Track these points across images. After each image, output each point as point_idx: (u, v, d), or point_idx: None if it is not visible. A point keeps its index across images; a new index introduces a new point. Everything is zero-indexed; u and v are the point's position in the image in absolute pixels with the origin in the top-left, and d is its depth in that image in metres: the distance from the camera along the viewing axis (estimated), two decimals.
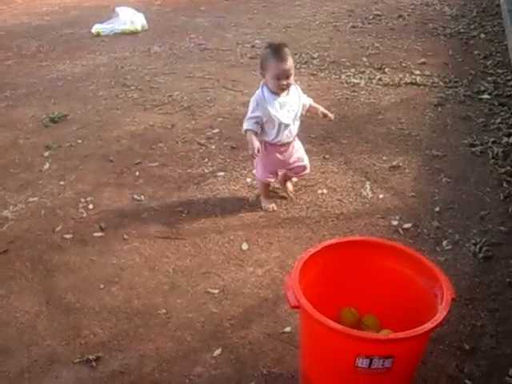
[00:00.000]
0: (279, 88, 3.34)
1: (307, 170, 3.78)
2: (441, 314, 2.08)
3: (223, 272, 3.20)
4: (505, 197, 3.78)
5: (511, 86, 5.38)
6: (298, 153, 3.67)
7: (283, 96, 3.40)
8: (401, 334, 2.05)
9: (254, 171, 3.84)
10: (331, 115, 3.62)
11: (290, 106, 3.43)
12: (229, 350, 2.71)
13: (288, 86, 3.35)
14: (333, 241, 2.56)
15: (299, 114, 3.52)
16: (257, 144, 3.34)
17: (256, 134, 3.41)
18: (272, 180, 3.77)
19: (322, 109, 3.64)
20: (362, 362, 2.06)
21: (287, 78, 3.31)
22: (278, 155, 3.58)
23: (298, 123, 3.55)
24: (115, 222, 3.66)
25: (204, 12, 8.54)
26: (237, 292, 3.06)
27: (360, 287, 2.52)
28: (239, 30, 7.55)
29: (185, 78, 5.96)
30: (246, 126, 3.41)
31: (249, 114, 3.42)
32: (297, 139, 3.65)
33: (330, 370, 2.24)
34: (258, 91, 3.43)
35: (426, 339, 2.23)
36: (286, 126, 3.44)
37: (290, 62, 3.29)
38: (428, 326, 2.04)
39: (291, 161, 3.64)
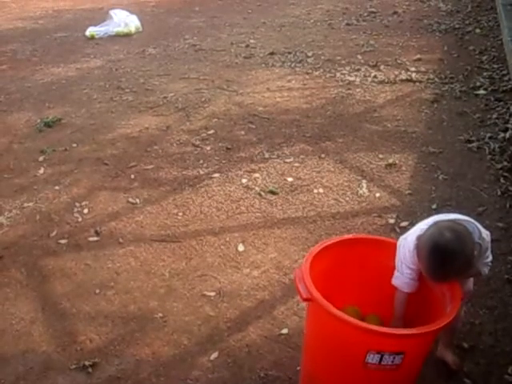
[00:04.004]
0: None
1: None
2: (452, 310, 2.07)
3: (219, 274, 3.18)
4: (502, 192, 3.76)
5: (507, 81, 5.36)
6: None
7: None
8: (413, 330, 2.03)
9: None
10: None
11: None
12: (226, 353, 2.69)
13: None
14: (340, 238, 2.55)
15: None
16: None
17: None
18: None
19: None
20: (372, 358, 2.05)
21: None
22: None
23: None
24: (110, 226, 3.63)
25: (198, 12, 8.52)
26: (233, 294, 3.03)
27: (363, 286, 2.49)
28: (234, 30, 7.54)
29: (179, 80, 5.93)
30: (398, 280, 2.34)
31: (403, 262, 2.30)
32: None
33: (338, 367, 2.22)
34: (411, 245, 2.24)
35: (435, 336, 2.21)
36: None
37: (450, 279, 2.16)
38: (441, 322, 2.03)
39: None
